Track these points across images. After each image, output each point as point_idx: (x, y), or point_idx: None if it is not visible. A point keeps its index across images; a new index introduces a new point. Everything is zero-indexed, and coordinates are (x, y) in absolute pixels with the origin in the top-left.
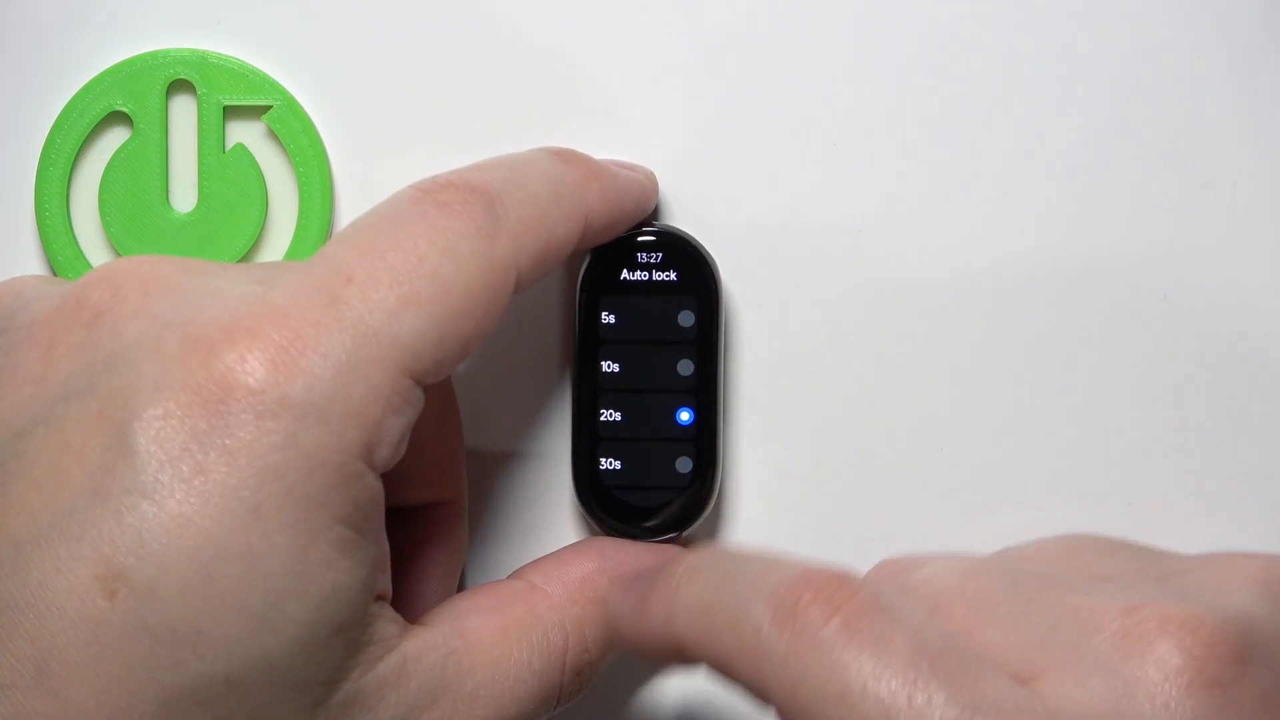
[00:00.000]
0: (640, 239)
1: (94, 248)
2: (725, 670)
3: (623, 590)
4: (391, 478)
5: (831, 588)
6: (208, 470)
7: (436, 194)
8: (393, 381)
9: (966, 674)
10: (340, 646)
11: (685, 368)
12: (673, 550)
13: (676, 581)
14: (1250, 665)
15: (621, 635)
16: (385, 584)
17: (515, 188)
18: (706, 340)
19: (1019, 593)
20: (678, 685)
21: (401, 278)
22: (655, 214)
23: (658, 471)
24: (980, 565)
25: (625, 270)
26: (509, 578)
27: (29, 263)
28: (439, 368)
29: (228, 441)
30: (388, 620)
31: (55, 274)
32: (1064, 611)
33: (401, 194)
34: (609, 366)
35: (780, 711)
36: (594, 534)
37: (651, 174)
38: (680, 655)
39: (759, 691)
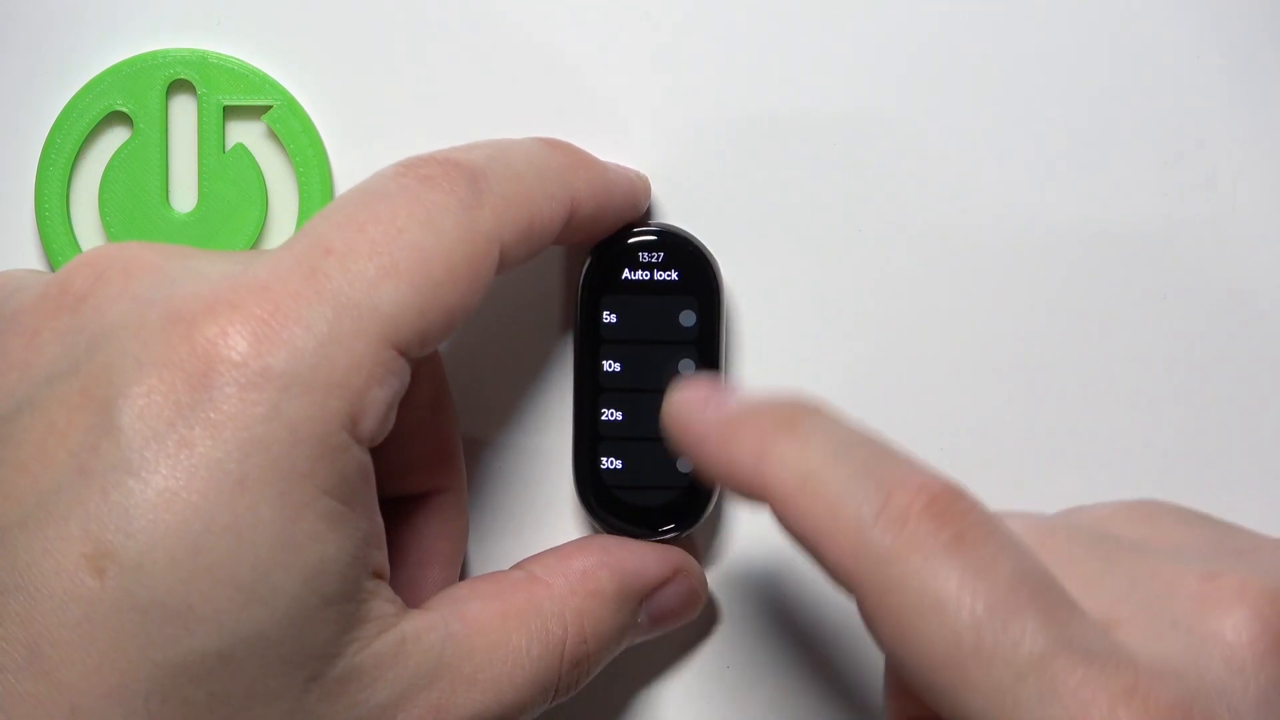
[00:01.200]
0: (641, 238)
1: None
2: (809, 545)
3: (699, 403)
4: (389, 465)
5: (946, 500)
6: (193, 444)
7: (419, 168)
8: (375, 353)
9: (1061, 609)
10: (332, 620)
11: (687, 367)
12: (676, 551)
13: (774, 428)
14: None
15: (693, 446)
16: (380, 561)
17: (500, 165)
18: (708, 339)
19: (1099, 551)
20: (678, 685)
21: (380, 249)
22: (648, 216)
23: (659, 471)
24: (1060, 524)
25: (626, 269)
26: (511, 568)
27: (29, 262)
28: (423, 339)
29: (212, 415)
30: (385, 599)
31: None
32: (1144, 571)
33: (383, 171)
34: (610, 366)
35: (864, 607)
36: (595, 532)
37: (644, 176)
38: (757, 499)
39: (844, 581)
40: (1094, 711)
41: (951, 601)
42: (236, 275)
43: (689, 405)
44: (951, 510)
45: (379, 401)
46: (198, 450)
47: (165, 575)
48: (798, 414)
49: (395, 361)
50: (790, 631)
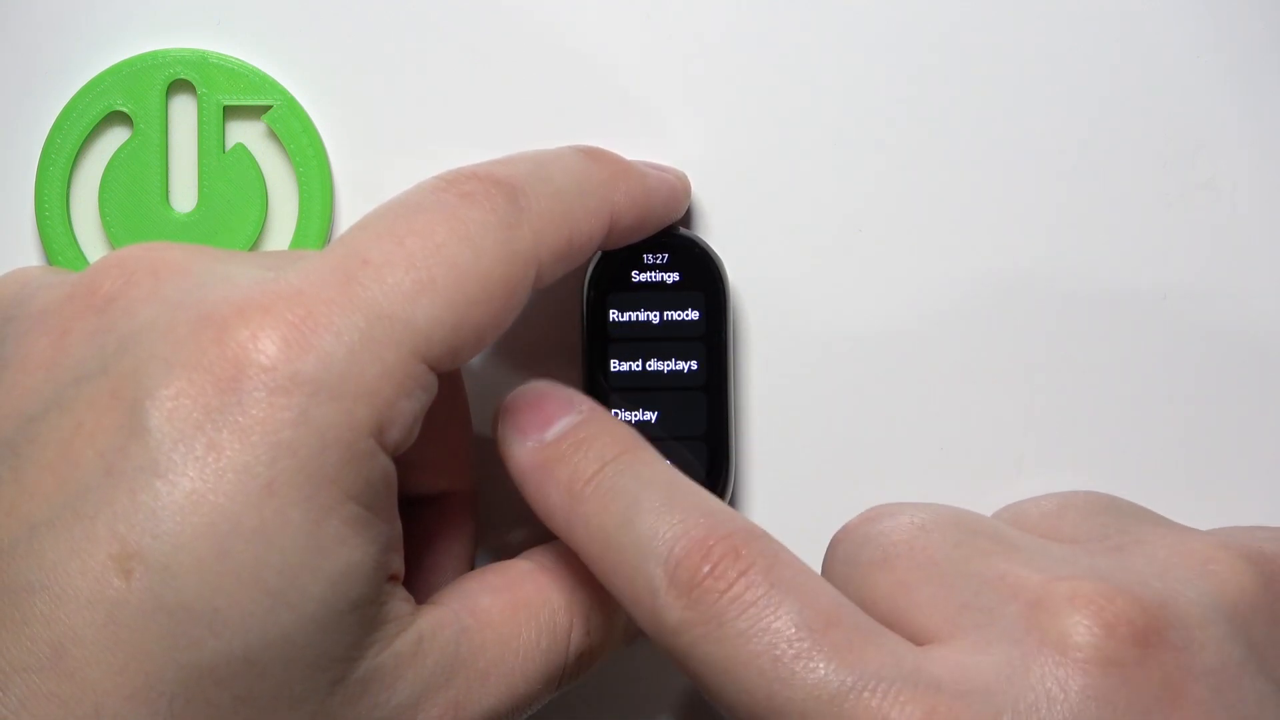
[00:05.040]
0: (648, 239)
1: (94, 248)
2: (622, 605)
3: (521, 427)
4: (403, 466)
5: (727, 559)
6: (220, 447)
7: (459, 184)
8: (405, 364)
9: (853, 642)
10: (356, 624)
11: (694, 367)
12: None
13: (580, 480)
14: (1155, 648)
15: (514, 478)
16: (398, 564)
17: (540, 182)
18: (715, 339)
19: (960, 554)
20: (678, 683)
21: (419, 263)
22: (688, 217)
23: None
24: (937, 521)
25: (633, 270)
26: (518, 558)
27: (29, 262)
28: (453, 355)
29: (240, 418)
30: (401, 599)
31: None
32: (992, 576)
33: (424, 184)
34: (618, 366)
35: (681, 670)
36: None
37: (683, 175)
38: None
39: (653, 642)
40: None
41: (740, 664)
42: (269, 281)
43: (512, 428)
44: (731, 568)
45: (406, 413)
46: (226, 453)
47: (192, 577)
48: (602, 463)
49: (425, 375)
50: None
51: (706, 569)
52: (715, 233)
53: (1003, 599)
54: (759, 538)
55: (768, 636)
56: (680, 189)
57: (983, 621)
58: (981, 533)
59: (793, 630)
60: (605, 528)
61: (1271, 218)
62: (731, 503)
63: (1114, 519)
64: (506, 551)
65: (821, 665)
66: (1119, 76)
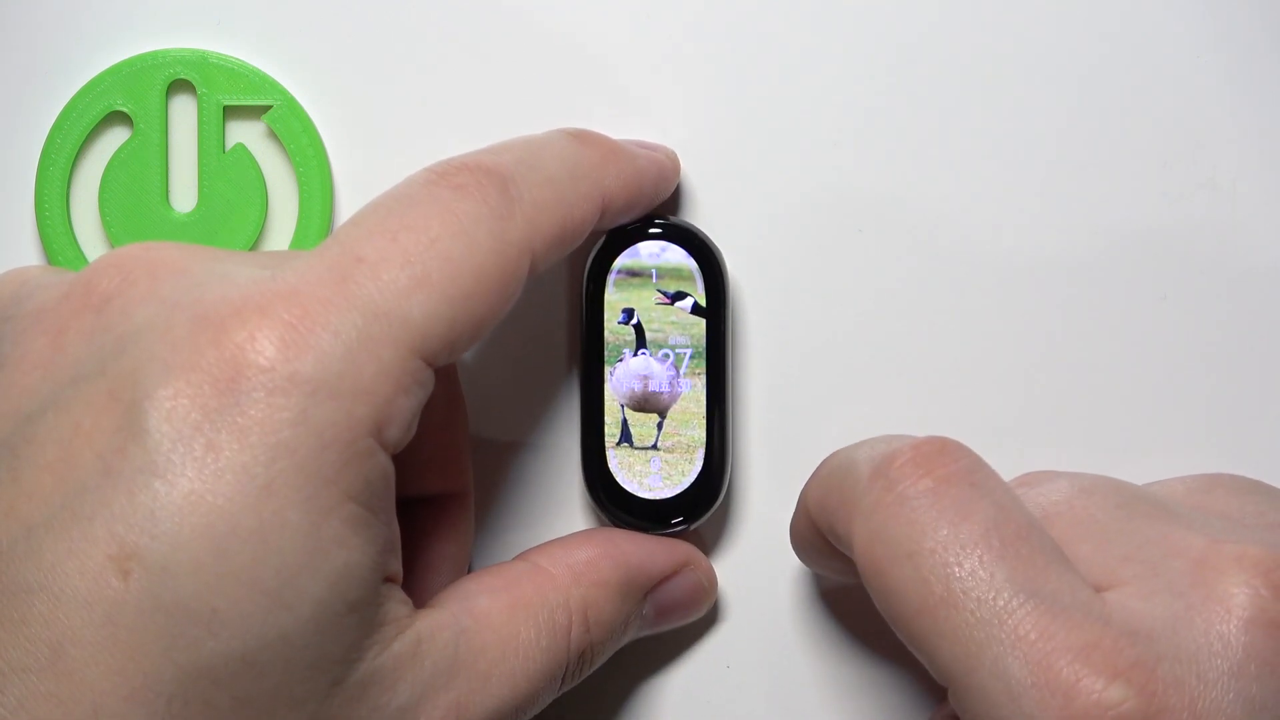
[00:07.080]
0: (648, 230)
1: (94, 248)
2: (830, 529)
3: None
4: (400, 466)
5: (931, 454)
6: (219, 448)
7: (450, 176)
8: (403, 361)
9: (1036, 561)
10: (354, 625)
11: (693, 359)
12: (683, 545)
13: (831, 454)
14: None
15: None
16: (396, 566)
17: (530, 170)
18: (714, 332)
19: (1121, 514)
20: (678, 684)
21: (413, 258)
22: (676, 195)
23: None
24: (1097, 485)
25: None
26: (514, 559)
27: (29, 263)
28: (450, 349)
29: (239, 419)
30: (398, 601)
31: None
32: (1155, 535)
33: (415, 177)
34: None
35: (859, 566)
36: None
37: (672, 153)
38: (813, 521)
39: (846, 544)
40: (1053, 663)
41: (923, 547)
42: (265, 280)
43: None
44: (934, 460)
45: (404, 410)
46: (224, 454)
47: (190, 578)
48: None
49: (422, 371)
50: (792, 633)
51: (908, 456)
52: (715, 228)
53: (1165, 555)
54: (970, 451)
55: (956, 530)
56: (670, 167)
57: (1145, 573)
58: (1141, 498)
59: (981, 530)
60: (837, 458)
61: (1271, 217)
62: (727, 499)
63: (1265, 499)
64: (505, 552)
65: (1002, 571)
66: (1119, 76)
